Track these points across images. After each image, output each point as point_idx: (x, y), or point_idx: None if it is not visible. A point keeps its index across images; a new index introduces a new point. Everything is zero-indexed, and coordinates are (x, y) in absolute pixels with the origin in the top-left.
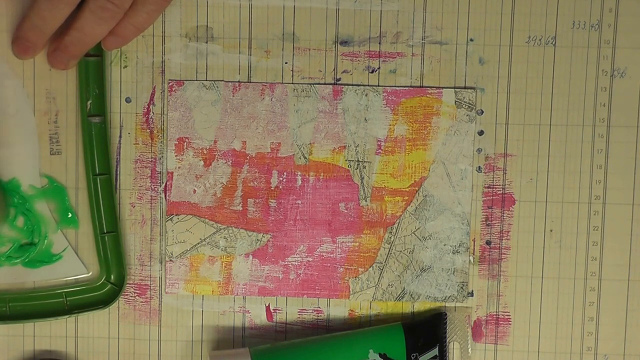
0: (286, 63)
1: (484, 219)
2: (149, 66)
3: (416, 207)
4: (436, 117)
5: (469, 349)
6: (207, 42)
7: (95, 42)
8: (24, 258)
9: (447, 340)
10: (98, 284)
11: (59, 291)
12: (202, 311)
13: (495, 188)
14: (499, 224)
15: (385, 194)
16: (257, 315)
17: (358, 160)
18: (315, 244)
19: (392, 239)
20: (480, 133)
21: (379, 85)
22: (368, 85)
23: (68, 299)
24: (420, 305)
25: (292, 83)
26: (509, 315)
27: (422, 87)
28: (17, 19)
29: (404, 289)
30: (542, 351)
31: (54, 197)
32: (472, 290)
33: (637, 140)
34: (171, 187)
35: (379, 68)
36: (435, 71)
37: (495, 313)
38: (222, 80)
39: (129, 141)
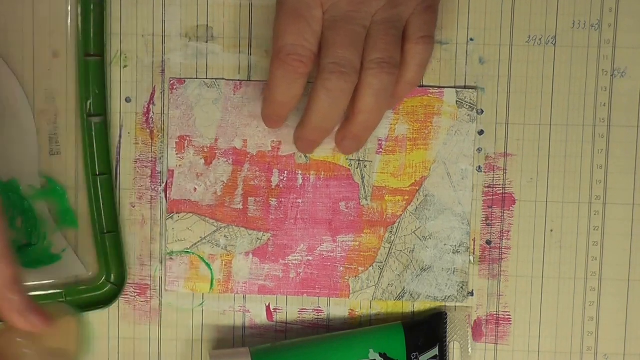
0: None
1: (484, 219)
2: (149, 66)
3: (417, 207)
4: (437, 117)
5: (469, 349)
6: (207, 42)
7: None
8: (23, 259)
9: (447, 340)
10: (98, 284)
11: (59, 291)
12: (202, 311)
13: (496, 188)
14: (499, 224)
15: (386, 193)
16: (257, 315)
17: (359, 160)
18: (315, 243)
19: (392, 239)
20: (481, 133)
21: None
22: None
23: (68, 299)
24: (421, 305)
25: None
26: (509, 315)
27: (423, 86)
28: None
29: (404, 288)
30: (542, 351)
31: (53, 197)
32: (472, 290)
33: (638, 140)
34: (172, 185)
35: None
36: (436, 71)
37: (495, 313)
38: (223, 79)
39: (129, 141)
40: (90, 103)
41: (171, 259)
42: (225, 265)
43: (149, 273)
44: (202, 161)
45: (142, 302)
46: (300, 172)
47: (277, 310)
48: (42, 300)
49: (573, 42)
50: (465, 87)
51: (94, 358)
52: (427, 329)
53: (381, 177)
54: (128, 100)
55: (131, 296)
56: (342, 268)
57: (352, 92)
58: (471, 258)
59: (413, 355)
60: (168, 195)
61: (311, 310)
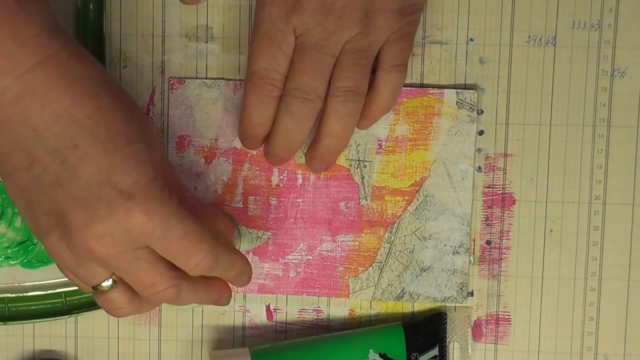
0: None
1: (484, 219)
2: (148, 66)
3: (416, 207)
4: (437, 117)
5: (469, 349)
6: (207, 42)
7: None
8: (22, 259)
9: (447, 340)
10: None
11: (59, 291)
12: (202, 310)
13: (496, 188)
14: (499, 224)
15: (386, 193)
16: (257, 315)
17: (359, 160)
18: (315, 243)
19: (392, 239)
20: (481, 133)
21: None
22: None
23: (68, 299)
24: (420, 305)
25: None
26: (509, 315)
27: (424, 87)
28: None
29: (404, 288)
30: (542, 351)
31: None
32: (472, 290)
33: (638, 140)
34: None
35: None
36: (435, 71)
37: (495, 313)
38: (223, 79)
39: None
40: None
41: None
42: None
43: None
44: (202, 160)
45: None
46: (300, 171)
47: (277, 310)
48: (43, 300)
49: (573, 42)
50: (465, 88)
51: (94, 358)
52: (427, 329)
53: (381, 177)
54: None
55: None
56: (341, 268)
57: (315, 116)
58: (471, 258)
59: (413, 356)
60: None
61: (311, 310)
